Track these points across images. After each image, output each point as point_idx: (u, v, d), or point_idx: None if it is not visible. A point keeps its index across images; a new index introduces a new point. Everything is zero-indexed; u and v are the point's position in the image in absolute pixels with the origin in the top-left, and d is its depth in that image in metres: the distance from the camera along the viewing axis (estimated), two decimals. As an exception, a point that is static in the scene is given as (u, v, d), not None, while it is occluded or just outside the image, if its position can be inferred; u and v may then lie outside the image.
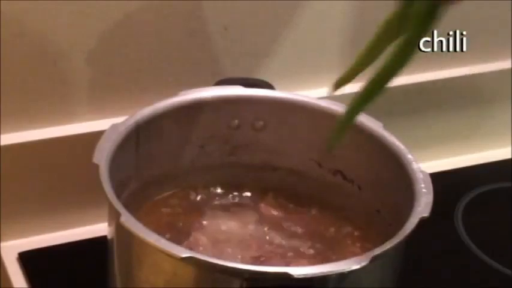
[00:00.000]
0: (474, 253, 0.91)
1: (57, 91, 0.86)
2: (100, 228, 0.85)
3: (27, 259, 0.85)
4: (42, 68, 0.84)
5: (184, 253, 0.61)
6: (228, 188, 0.82)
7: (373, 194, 0.78)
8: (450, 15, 1.06)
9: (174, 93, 0.78)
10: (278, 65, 0.93)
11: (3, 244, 0.87)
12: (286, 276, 0.60)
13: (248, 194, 0.82)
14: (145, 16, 0.85)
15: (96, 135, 0.72)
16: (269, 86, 0.84)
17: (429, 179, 0.71)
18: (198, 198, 0.81)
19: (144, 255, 0.66)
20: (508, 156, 1.06)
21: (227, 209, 0.80)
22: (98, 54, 0.85)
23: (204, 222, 0.78)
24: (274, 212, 0.80)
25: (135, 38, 0.86)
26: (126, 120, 0.74)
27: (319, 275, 0.62)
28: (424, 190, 0.70)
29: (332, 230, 0.79)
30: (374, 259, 0.63)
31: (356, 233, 0.78)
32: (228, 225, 0.78)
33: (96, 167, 0.68)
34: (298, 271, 0.61)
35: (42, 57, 0.83)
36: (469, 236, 0.93)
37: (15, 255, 0.85)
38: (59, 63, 0.84)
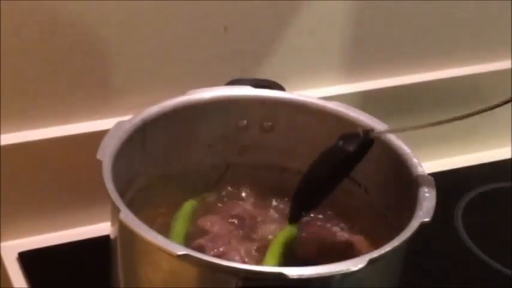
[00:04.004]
0: (474, 253, 0.91)
1: (58, 91, 0.86)
2: (100, 228, 0.86)
3: (27, 259, 0.85)
4: (42, 68, 0.84)
5: (181, 250, 0.61)
6: (236, 188, 0.82)
7: (380, 198, 0.77)
8: (450, 16, 1.06)
9: (179, 93, 0.78)
10: (278, 65, 0.93)
11: (3, 244, 0.87)
12: (281, 276, 0.60)
13: (256, 194, 0.81)
14: (147, 16, 0.85)
15: (97, 135, 0.72)
16: (279, 87, 0.83)
17: (433, 184, 0.71)
18: (206, 197, 0.81)
19: (143, 253, 0.66)
20: (508, 156, 1.06)
21: (235, 209, 0.79)
22: (99, 55, 0.85)
23: (211, 222, 0.78)
24: (283, 214, 0.80)
25: (135, 38, 0.86)
26: (133, 118, 0.74)
27: (314, 276, 0.61)
28: (427, 195, 0.70)
29: (338, 232, 0.79)
30: (371, 262, 0.62)
31: (362, 236, 0.78)
32: (235, 225, 0.77)
33: (99, 163, 0.68)
34: (293, 271, 0.60)
35: (42, 58, 0.83)
36: (469, 236, 0.93)
37: (15, 255, 0.85)
38: (59, 63, 0.84)
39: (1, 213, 0.85)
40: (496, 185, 1.01)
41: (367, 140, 0.71)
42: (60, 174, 0.87)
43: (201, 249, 0.72)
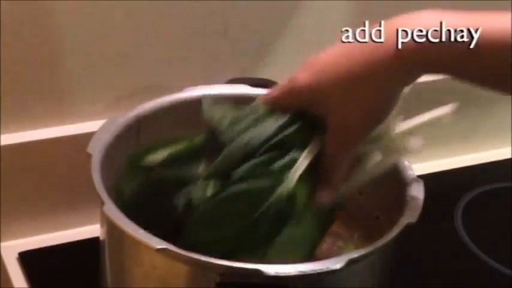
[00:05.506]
0: (474, 253, 0.91)
1: (57, 91, 0.86)
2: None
3: (27, 259, 0.85)
4: (42, 68, 0.84)
5: (160, 245, 0.62)
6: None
7: (373, 200, 0.77)
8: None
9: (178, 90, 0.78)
10: (278, 65, 0.93)
11: (3, 244, 0.87)
12: (258, 273, 0.60)
13: None
14: (146, 16, 0.85)
15: (96, 136, 0.72)
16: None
17: (422, 187, 0.71)
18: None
19: (126, 246, 0.67)
20: (508, 156, 1.06)
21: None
22: (98, 55, 0.85)
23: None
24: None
25: (135, 38, 0.86)
26: (126, 113, 0.75)
27: (291, 274, 0.61)
28: (414, 197, 0.70)
29: (333, 233, 0.78)
30: (351, 262, 0.62)
31: (356, 237, 0.78)
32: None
33: (89, 156, 0.69)
34: (270, 269, 0.60)
35: (42, 58, 0.83)
36: (469, 236, 0.93)
37: (15, 255, 0.85)
38: (59, 63, 0.84)
39: (1, 213, 0.86)
40: (496, 185, 1.01)
41: None
42: (60, 175, 0.87)
43: None
